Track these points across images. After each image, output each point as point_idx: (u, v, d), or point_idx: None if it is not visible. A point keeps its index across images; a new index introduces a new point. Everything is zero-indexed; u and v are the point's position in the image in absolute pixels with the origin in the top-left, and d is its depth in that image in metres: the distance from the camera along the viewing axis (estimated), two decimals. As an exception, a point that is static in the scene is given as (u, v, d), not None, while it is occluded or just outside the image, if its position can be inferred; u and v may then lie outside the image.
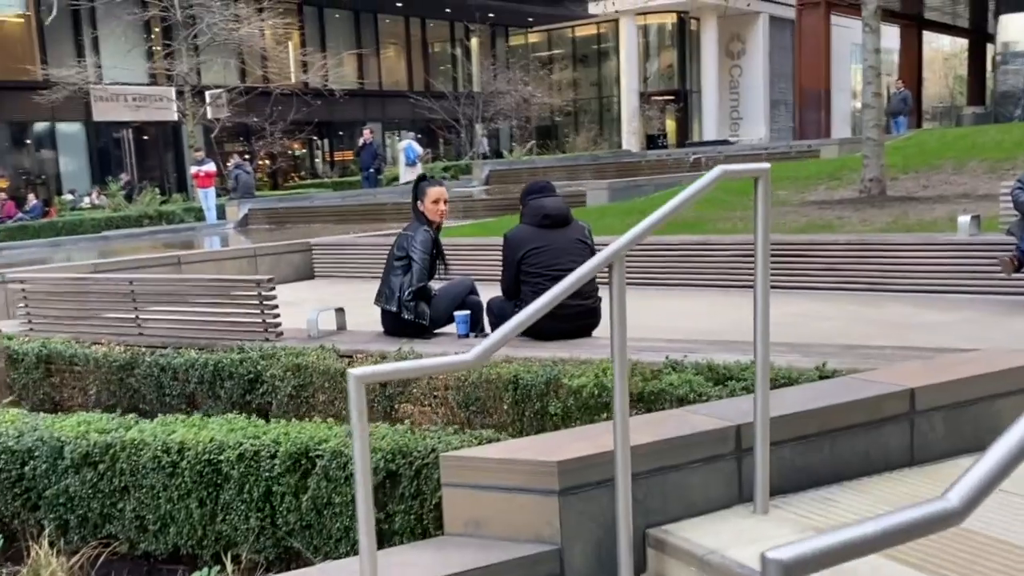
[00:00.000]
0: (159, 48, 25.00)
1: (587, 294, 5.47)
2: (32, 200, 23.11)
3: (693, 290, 8.74)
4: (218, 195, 19.56)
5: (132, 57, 23.51)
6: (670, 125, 48.97)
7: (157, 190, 23.35)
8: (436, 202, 6.04)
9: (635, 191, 14.61)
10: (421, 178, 6.24)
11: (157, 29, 26.50)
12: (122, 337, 6.38)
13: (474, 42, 41.82)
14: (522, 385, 4.45)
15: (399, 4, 34.77)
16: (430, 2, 34.40)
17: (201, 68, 23.80)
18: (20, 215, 22.07)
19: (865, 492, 3.38)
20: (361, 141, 20.92)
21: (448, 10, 38.14)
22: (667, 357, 4.61)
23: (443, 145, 35.89)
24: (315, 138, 35.12)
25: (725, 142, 29.37)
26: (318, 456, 3.57)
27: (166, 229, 17.53)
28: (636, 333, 6.73)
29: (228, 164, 19.82)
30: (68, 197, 23.84)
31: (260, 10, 25.03)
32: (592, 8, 45.47)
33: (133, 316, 6.36)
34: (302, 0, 30.19)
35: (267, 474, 3.61)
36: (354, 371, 2.61)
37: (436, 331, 5.91)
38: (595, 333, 5.74)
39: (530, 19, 43.73)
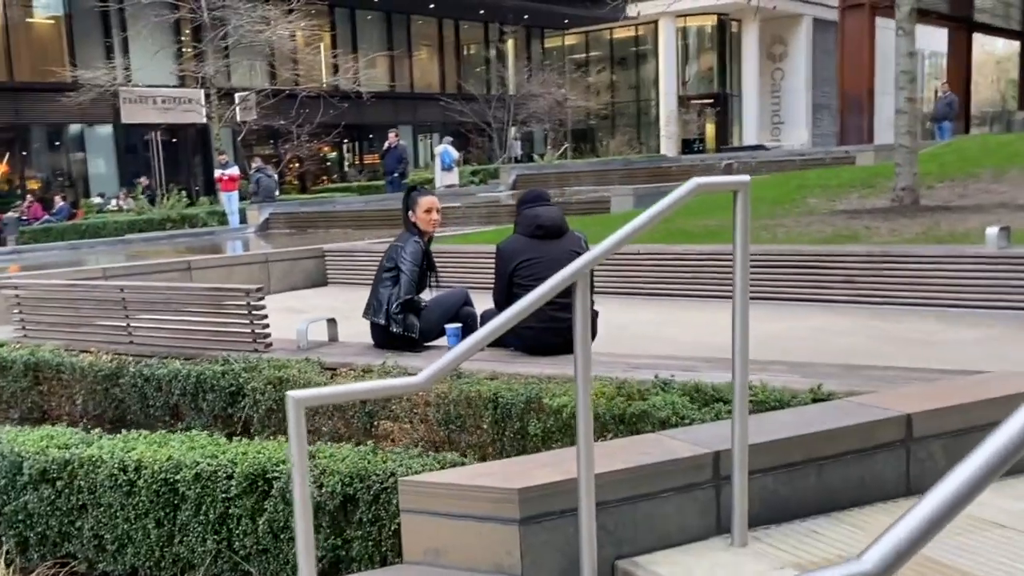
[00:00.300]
0: (188, 50, 25.26)
1: (581, 307, 5.33)
2: (59, 202, 23.40)
3: (710, 302, 8.57)
4: (242, 199, 19.68)
5: (160, 59, 23.75)
6: (709, 129, 48.61)
7: (183, 193, 23.55)
8: (429, 211, 5.94)
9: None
10: (411, 188, 6.15)
11: (187, 32, 26.80)
12: (113, 345, 6.35)
13: (509, 44, 41.80)
14: (502, 404, 4.33)
15: (432, 5, 34.83)
16: (464, 3, 34.41)
17: (228, 70, 23.97)
18: (47, 217, 22.36)
19: (855, 525, 3.23)
20: (386, 144, 20.91)
21: (482, 11, 38.16)
22: (656, 376, 4.47)
23: (475, 149, 35.85)
24: (346, 140, 35.29)
25: (761, 147, 29.02)
26: (275, 478, 3.47)
27: (186, 233, 17.65)
28: (647, 347, 6.67)
29: (251, 167, 19.91)
30: (96, 200, 24.11)
31: (290, 11, 25.20)
32: (630, 10, 45.26)
33: (124, 324, 6.33)
34: (333, 1, 30.27)
35: (223, 495, 3.52)
36: (294, 394, 2.52)
37: (428, 344, 5.80)
38: (595, 348, 5.60)
39: (566, 20, 43.62)
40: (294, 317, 7.72)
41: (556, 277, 3.12)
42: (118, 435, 4.01)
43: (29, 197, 23.78)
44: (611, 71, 50.32)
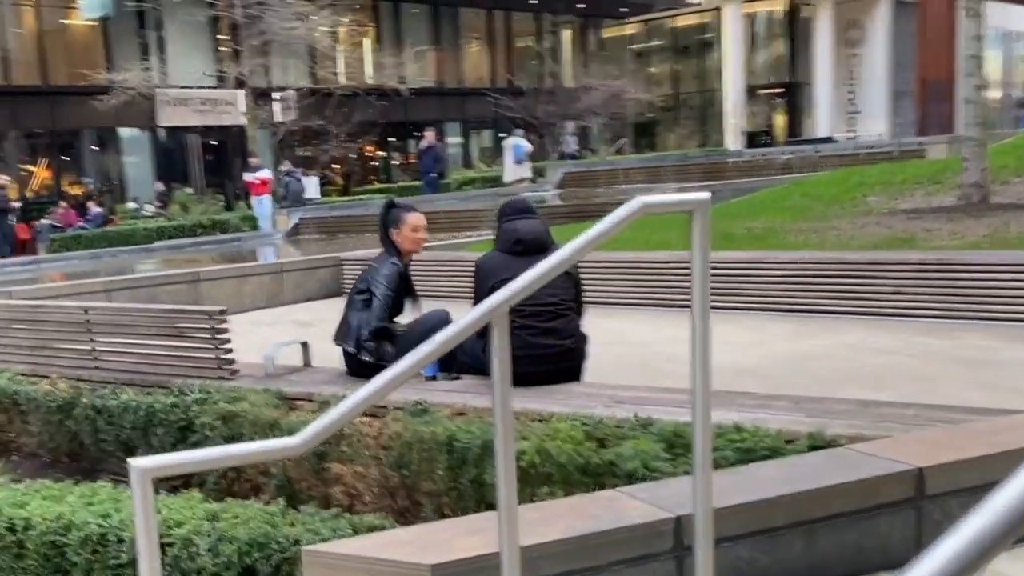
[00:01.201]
0: (224, 49, 25.37)
1: (565, 333, 4.92)
2: (93, 208, 23.65)
3: (744, 315, 8.10)
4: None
5: (195, 59, 23.89)
6: (778, 121, 47.39)
7: (220, 197, 23.64)
8: (416, 230, 5.58)
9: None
10: (391, 203, 5.75)
11: (223, 33, 26.92)
12: (78, 371, 6.14)
13: (565, 35, 41.35)
14: (457, 448, 3.95)
15: (481, -4, 34.64)
16: (514, -6, 34.17)
17: (266, 69, 24.01)
18: (81, 224, 22.59)
19: (849, 603, 2.81)
20: (424, 143, 20.66)
21: (534, 1, 37.79)
22: (636, 415, 4.04)
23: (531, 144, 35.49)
24: (391, 139, 35.22)
25: (829, 140, 28.11)
26: (168, 544, 3.14)
27: (214, 240, 17.62)
28: (660, 369, 6.25)
29: (280, 170, 19.84)
30: (131, 205, 24.34)
31: (332, 5, 25.14)
32: (692, -1, 44.52)
33: (89, 348, 6.10)
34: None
35: (114, 561, 3.20)
36: (137, 463, 2.18)
37: (405, 371, 5.44)
38: (592, 374, 5.21)
39: (624, 9, 43.02)
40: (299, 332, 7.46)
41: (470, 316, 2.74)
42: (18, 485, 3.72)
43: (63, 203, 24.07)
44: (674, 61, 49.47)
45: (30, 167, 26.93)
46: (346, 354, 5.41)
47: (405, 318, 5.52)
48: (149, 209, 23.58)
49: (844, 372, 5.99)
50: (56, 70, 26.34)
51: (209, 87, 23.72)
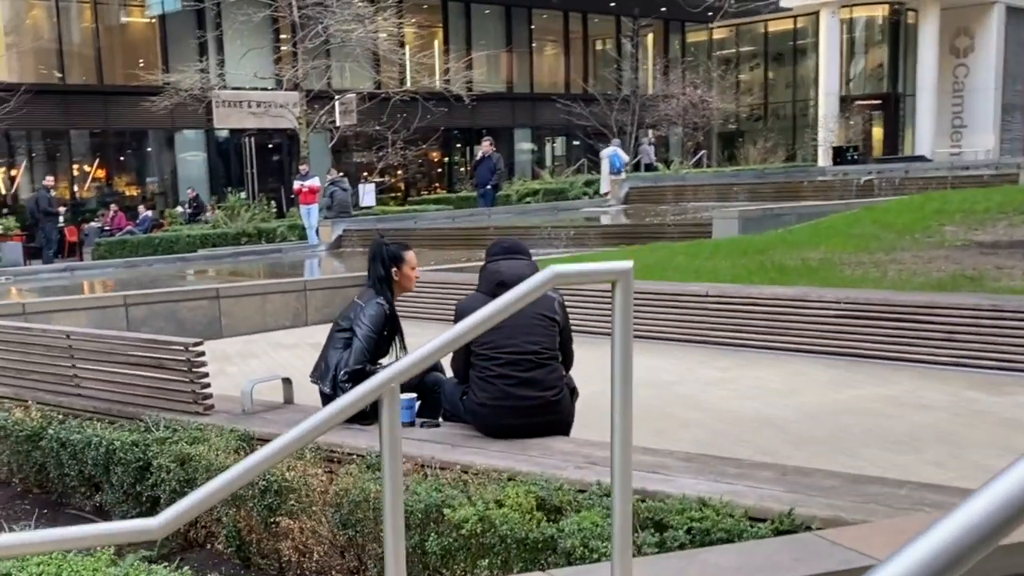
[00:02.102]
0: (285, 49, 25.79)
1: (546, 384, 4.78)
2: (143, 212, 24.20)
3: (785, 357, 7.87)
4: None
5: (252, 60, 24.31)
6: (875, 134, 46.40)
7: (272, 203, 23.97)
8: (414, 268, 5.62)
9: (772, 221, 13.58)
10: (383, 242, 5.69)
11: (279, 32, 27.43)
12: (59, 397, 6.21)
13: (648, 39, 41.09)
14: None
15: (556, -2, 34.62)
16: (592, -6, 34.04)
17: (327, 71, 24.32)
18: (129, 228, 23.13)
19: None
20: (480, 153, 20.64)
21: (612, 3, 37.64)
22: (598, 482, 3.89)
23: (593, 157, 35.29)
24: (457, 145, 35.39)
25: (921, 158, 27.36)
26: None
27: (255, 250, 17.85)
28: (676, 416, 6.08)
29: (327, 178, 20.01)
30: (179, 210, 24.85)
31: (398, 5, 25.38)
32: (785, 2, 43.79)
33: (71, 374, 6.17)
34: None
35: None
36: None
37: (384, 414, 5.36)
38: (577, 425, 5.05)
39: (710, 13, 42.56)
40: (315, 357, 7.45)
41: (358, 390, 2.67)
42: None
43: (113, 207, 24.68)
44: (765, 69, 48.81)
45: (84, 167, 27.70)
46: (323, 394, 5.36)
47: (388, 360, 5.45)
48: (179, 214, 24.08)
49: (874, 430, 5.76)
50: (112, 69, 27.09)
51: (263, 89, 24.11)
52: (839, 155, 30.83)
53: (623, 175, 24.21)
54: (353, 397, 2.64)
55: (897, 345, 7.42)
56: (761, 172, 24.78)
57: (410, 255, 5.62)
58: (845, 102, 44.65)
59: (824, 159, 39.35)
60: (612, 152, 24.53)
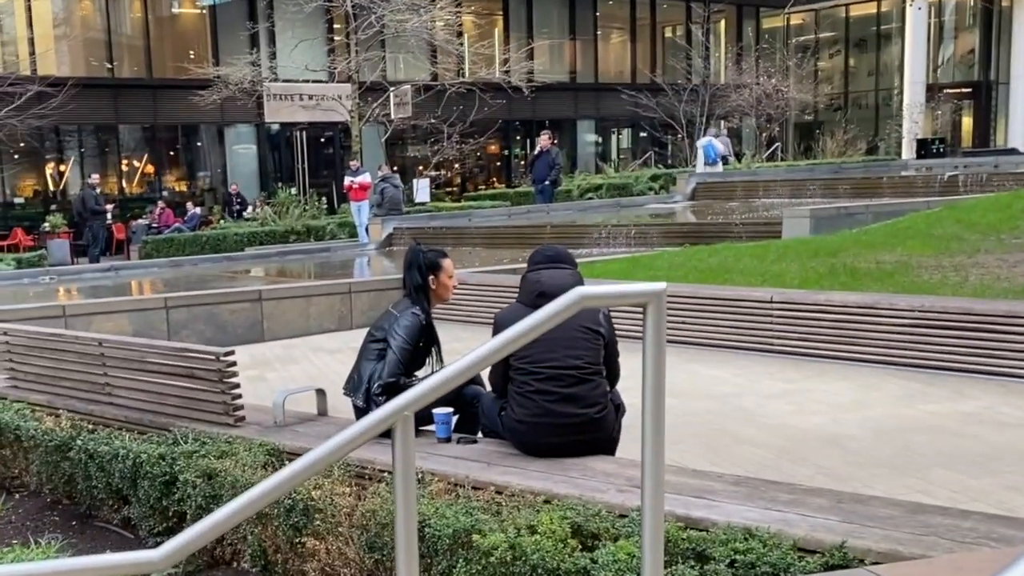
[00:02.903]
0: (338, 40, 26.01)
1: (589, 400, 4.71)
2: (192, 209, 24.59)
3: (856, 368, 7.73)
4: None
5: (304, 53, 24.57)
6: (964, 125, 45.44)
7: (323, 200, 24.20)
8: (451, 276, 5.58)
9: (847, 221, 13.35)
10: (418, 249, 5.64)
11: (331, 22, 27.70)
12: (90, 405, 6.31)
13: (720, 25, 40.72)
14: (428, 536, 3.82)
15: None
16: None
17: (375, 63, 24.48)
18: (177, 225, 23.53)
19: None
20: (537, 148, 20.57)
21: (683, -12, 37.45)
22: (637, 510, 3.82)
23: (656, 149, 35.06)
24: (517, 138, 35.41)
25: (1013, 151, 26.68)
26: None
27: (303, 248, 18.05)
28: (733, 433, 5.99)
29: (378, 174, 20.11)
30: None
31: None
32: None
33: (103, 383, 6.26)
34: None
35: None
36: None
37: (421, 428, 5.35)
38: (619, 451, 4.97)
39: (788, -4, 42.09)
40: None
41: (371, 418, 2.64)
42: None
43: (161, 203, 25.14)
44: (845, 55, 48.05)
45: (133, 163, 28.25)
46: (356, 408, 5.37)
47: (424, 372, 5.43)
48: (249, 211, 24.38)
49: (947, 449, 5.62)
50: (161, 62, 27.59)
51: (315, 81, 24.37)
52: (924, 148, 30.19)
53: (720, 167, 24.29)
54: (368, 423, 2.61)
55: (976, 357, 7.25)
56: (838, 167, 24.35)
57: (447, 263, 5.58)
58: (932, 91, 43.76)
59: (908, 152, 38.58)
60: (707, 142, 24.73)
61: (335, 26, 27.83)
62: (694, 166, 27.76)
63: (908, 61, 44.84)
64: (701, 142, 25.11)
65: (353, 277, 14.42)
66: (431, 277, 5.50)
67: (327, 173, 29.61)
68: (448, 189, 31.24)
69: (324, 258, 17.31)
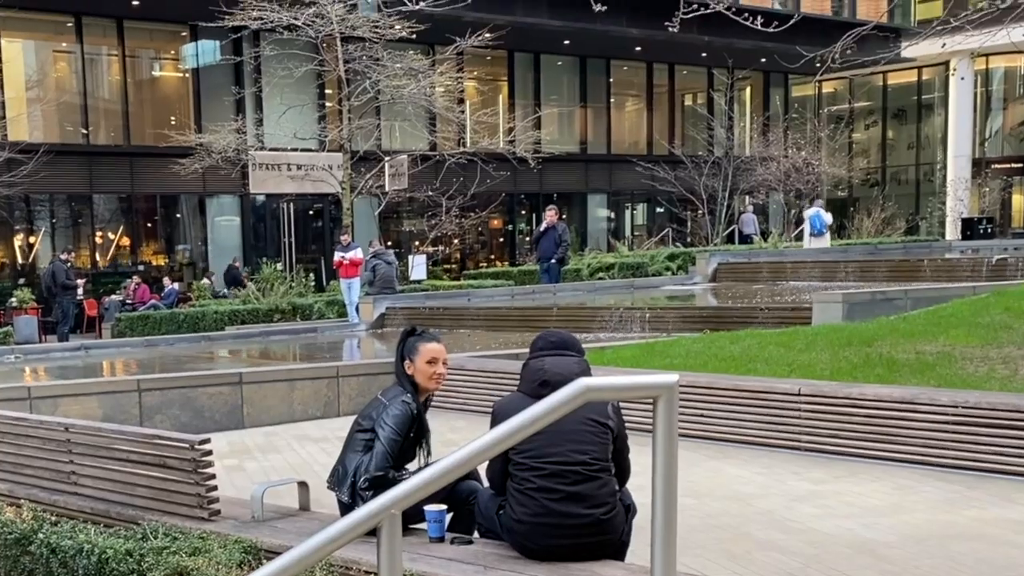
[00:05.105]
0: (329, 106, 26.49)
1: (596, 500, 4.76)
2: (168, 284, 24.83)
3: (894, 468, 7.76)
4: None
5: (292, 120, 25.03)
6: (1015, 203, 45.77)
7: (311, 276, 24.43)
8: (432, 362, 5.47)
9: (883, 307, 13.46)
10: (409, 331, 5.71)
11: (321, 88, 28.25)
12: (54, 496, 6.38)
13: (746, 92, 41.31)
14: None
15: (638, 48, 34.95)
16: (680, 46, 34.29)
17: (368, 131, 24.87)
18: (153, 301, 23.73)
19: None
20: (543, 224, 20.78)
21: (704, 54, 37.97)
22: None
23: (674, 226, 35.36)
24: (522, 212, 35.77)
25: (1066, 232, 26.85)
26: None
27: (286, 329, 18.20)
28: (756, 538, 6.01)
29: (369, 250, 20.34)
30: (204, 283, 25.46)
31: (457, 57, 25.93)
32: (908, 51, 43.74)
33: (69, 471, 6.34)
34: (512, 46, 30.92)
35: None
36: None
37: (411, 526, 5.40)
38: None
39: (818, 63, 42.65)
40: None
41: (356, 515, 2.74)
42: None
43: (135, 278, 25.38)
44: (883, 126, 48.67)
45: (108, 234, 28.58)
46: (341, 503, 5.43)
47: (414, 465, 5.50)
48: (206, 287, 24.70)
49: (992, 559, 5.64)
50: (140, 128, 28.08)
51: (305, 150, 24.77)
52: (969, 227, 30.41)
53: (826, 235, 25.79)
54: (352, 520, 2.70)
55: (1024, 459, 7.28)
56: (874, 247, 24.56)
57: (426, 347, 5.49)
58: (978, 166, 44.24)
59: (952, 232, 38.87)
60: (814, 213, 25.85)
61: (327, 91, 28.39)
62: (715, 243, 28.00)
63: (952, 133, 45.43)
64: (808, 212, 26.64)
65: (341, 360, 14.48)
66: (406, 362, 5.54)
67: (315, 248, 29.95)
68: (446, 266, 31.51)
69: (310, 339, 17.43)
